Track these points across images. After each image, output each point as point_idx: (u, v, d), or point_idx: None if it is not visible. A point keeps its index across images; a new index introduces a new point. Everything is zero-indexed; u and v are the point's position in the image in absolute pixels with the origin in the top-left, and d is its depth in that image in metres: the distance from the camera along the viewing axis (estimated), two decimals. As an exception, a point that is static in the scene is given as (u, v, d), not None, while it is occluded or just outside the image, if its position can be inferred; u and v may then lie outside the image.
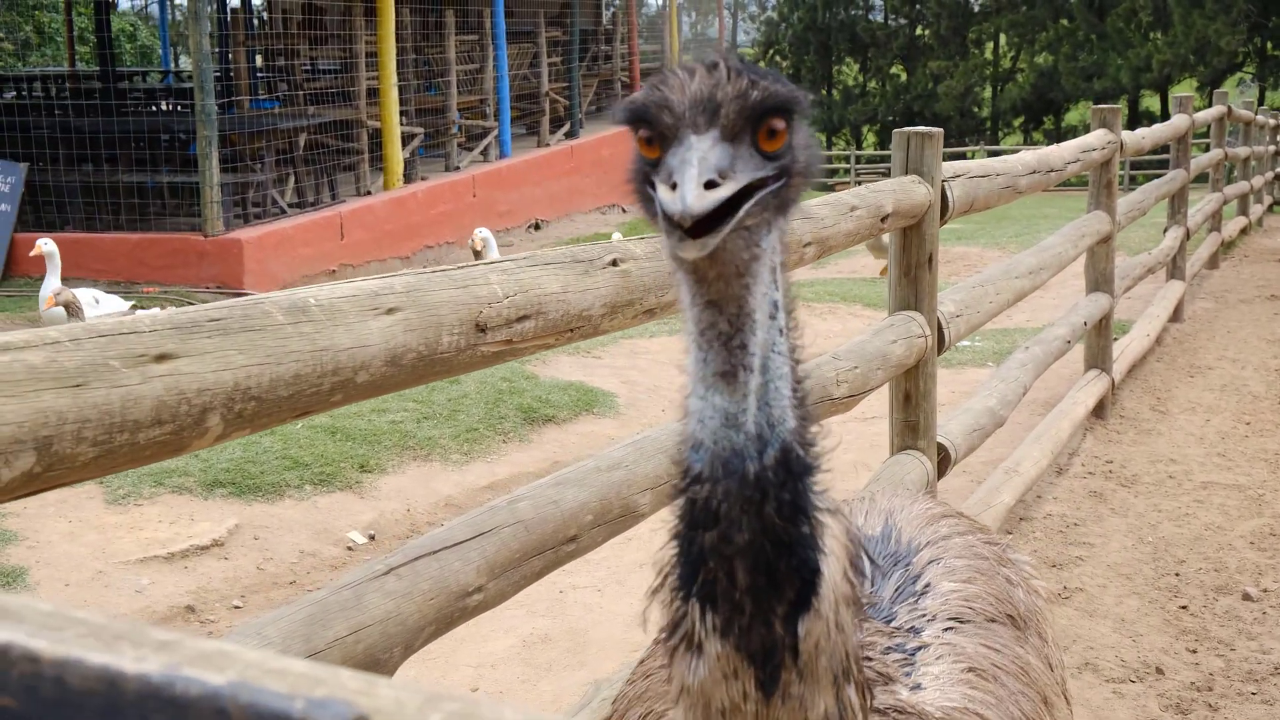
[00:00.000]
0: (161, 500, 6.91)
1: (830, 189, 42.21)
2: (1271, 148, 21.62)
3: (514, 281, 2.54)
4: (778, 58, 63.21)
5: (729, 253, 1.43)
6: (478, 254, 12.68)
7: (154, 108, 21.59)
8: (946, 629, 2.16)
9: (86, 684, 0.58)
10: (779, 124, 1.45)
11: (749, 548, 1.47)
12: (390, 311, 2.23)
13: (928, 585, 2.26)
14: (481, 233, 12.98)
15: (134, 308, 11.22)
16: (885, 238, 5.21)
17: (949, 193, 5.09)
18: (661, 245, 1.59)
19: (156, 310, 1.77)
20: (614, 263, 2.85)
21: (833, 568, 1.51)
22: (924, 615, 2.19)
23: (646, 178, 1.48)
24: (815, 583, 1.49)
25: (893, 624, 2.17)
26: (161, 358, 1.78)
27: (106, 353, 1.71)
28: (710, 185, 1.38)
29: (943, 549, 2.35)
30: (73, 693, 0.58)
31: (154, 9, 45.57)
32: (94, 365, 1.69)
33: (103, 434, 1.70)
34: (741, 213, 1.40)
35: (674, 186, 1.38)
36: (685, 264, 1.45)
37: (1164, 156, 12.92)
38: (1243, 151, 17.77)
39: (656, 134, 1.46)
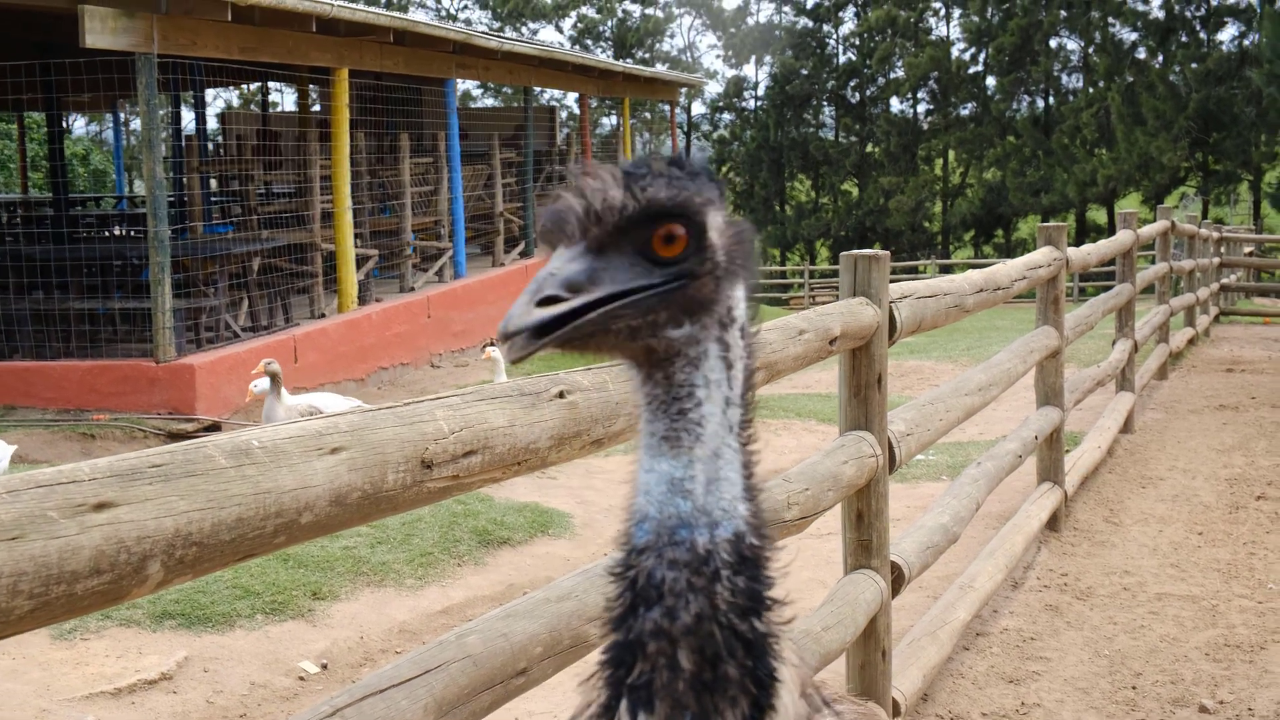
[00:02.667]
0: (108, 634, 6.81)
1: (785, 304, 42.59)
2: (1216, 260, 22.00)
3: (460, 417, 2.54)
4: (732, 175, 64.04)
5: (606, 345, 1.45)
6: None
7: (107, 233, 21.61)
8: None
9: None
10: (677, 230, 1.44)
11: (696, 629, 1.38)
12: (335, 451, 2.23)
13: None
14: (493, 351, 12.94)
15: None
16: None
17: (897, 314, 5.15)
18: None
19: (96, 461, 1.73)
20: (560, 394, 2.86)
21: (789, 682, 1.43)
22: None
23: None
24: (772, 694, 1.40)
25: None
26: (101, 506, 1.78)
27: (44, 503, 1.71)
28: (553, 300, 1.40)
29: None
30: None
31: (109, 134, 45.81)
32: (31, 516, 1.68)
33: (39, 586, 1.68)
34: (578, 323, 1.40)
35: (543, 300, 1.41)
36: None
37: (1111, 269, 13.10)
38: (1187, 264, 18.07)
39: (551, 248, 1.47)
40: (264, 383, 11.51)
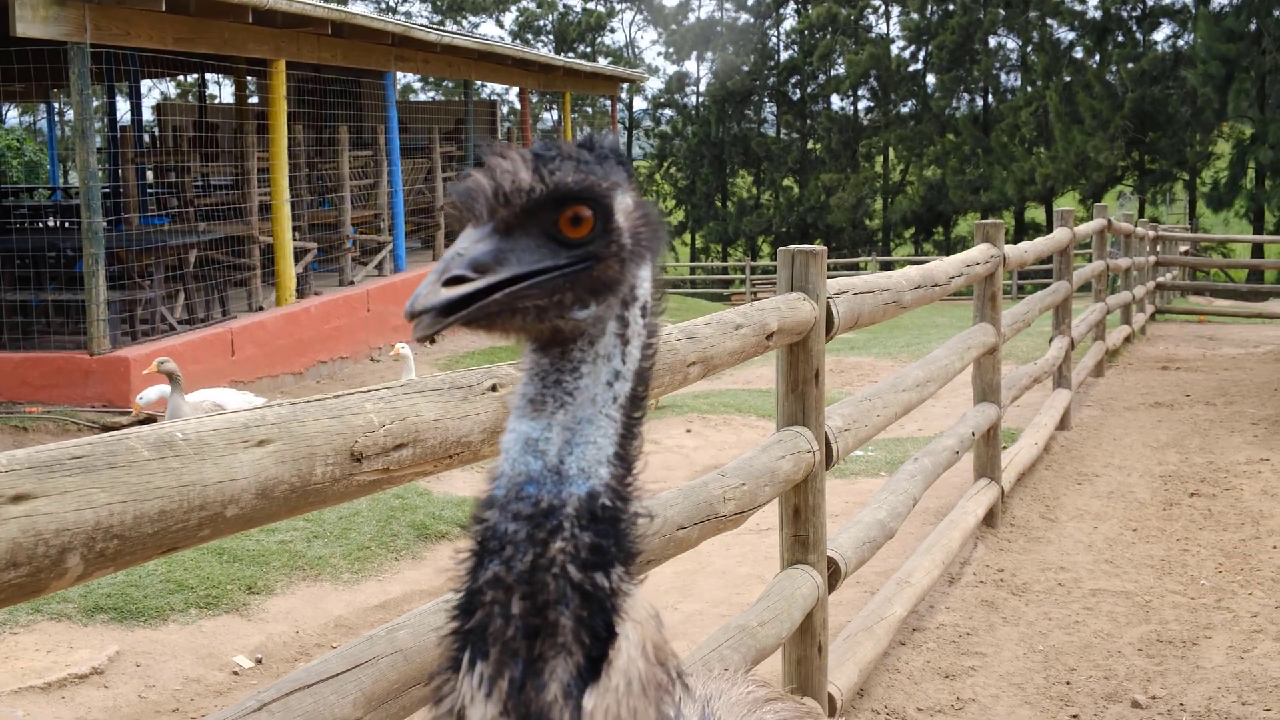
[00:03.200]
0: (39, 628, 6.71)
1: (727, 300, 42.68)
2: (1152, 258, 22.23)
3: (390, 409, 2.51)
4: (673, 170, 64.10)
5: (512, 326, 1.48)
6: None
7: (40, 224, 21.32)
8: None
9: None
10: (584, 212, 1.46)
11: (530, 577, 1.40)
12: (261, 444, 2.19)
13: None
14: (403, 349, 12.88)
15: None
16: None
17: (834, 309, 5.16)
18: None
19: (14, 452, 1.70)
20: (493, 388, 2.83)
21: (632, 639, 1.42)
22: None
23: None
24: (608, 649, 1.41)
25: None
26: (18, 498, 1.74)
27: (-42, 495, 1.67)
28: (459, 280, 1.42)
29: None
30: None
31: (43, 124, 45.24)
32: (-56, 508, 1.64)
33: (-47, 579, 1.64)
34: (484, 302, 1.43)
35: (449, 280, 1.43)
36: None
37: (1049, 267, 13.18)
38: (1124, 262, 18.24)
39: (459, 227, 1.49)
40: (152, 394, 11.41)
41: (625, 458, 1.52)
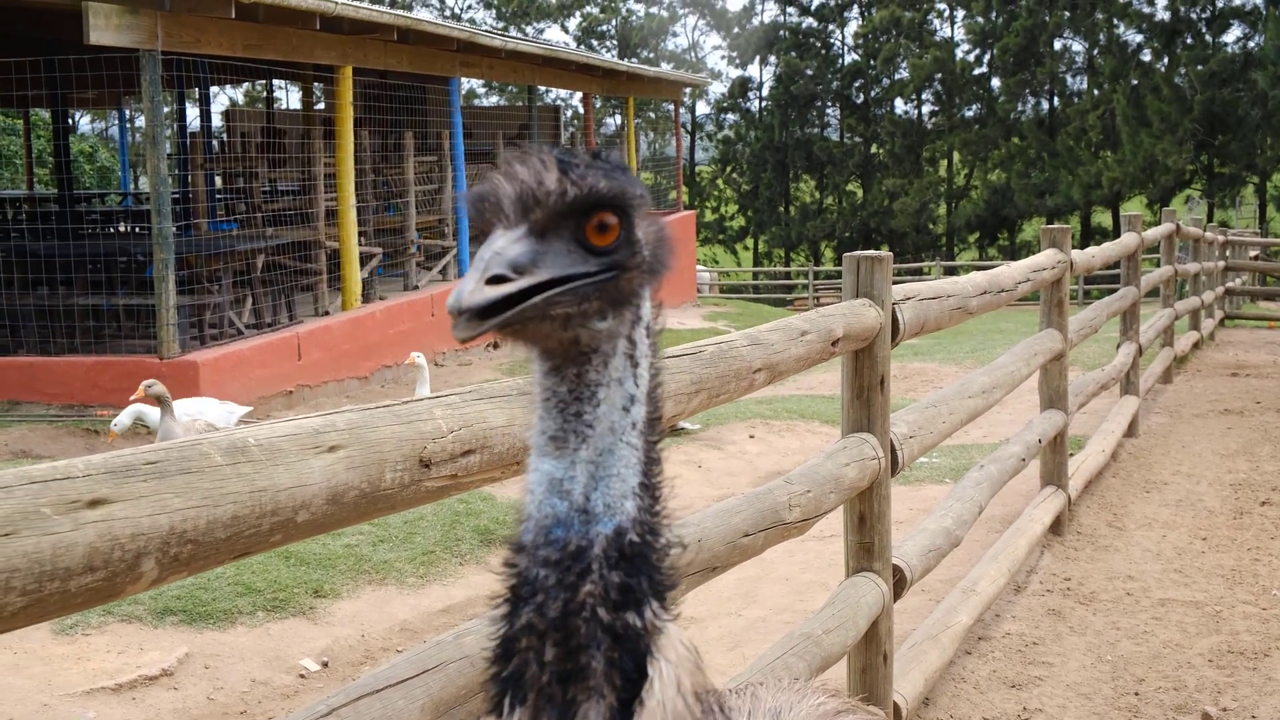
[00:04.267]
0: (110, 630, 6.80)
1: (789, 305, 42.56)
2: (1221, 263, 21.96)
3: (459, 416, 2.53)
4: (735, 175, 64.04)
5: (539, 334, 1.46)
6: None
7: (111, 230, 21.61)
8: None
9: None
10: (610, 219, 1.46)
11: (562, 623, 1.40)
12: (332, 449, 2.21)
13: None
14: (418, 358, 12.85)
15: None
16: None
17: (900, 315, 5.13)
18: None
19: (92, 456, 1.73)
20: (561, 394, 2.84)
21: (666, 679, 1.42)
22: None
23: None
24: (640, 688, 1.41)
25: None
26: (95, 503, 1.76)
27: (38, 500, 1.69)
28: (500, 280, 1.40)
29: None
30: None
31: (114, 131, 45.87)
32: (24, 513, 1.66)
33: (32, 583, 1.67)
34: (523, 306, 1.41)
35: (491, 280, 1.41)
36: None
37: (1116, 272, 13.06)
38: (1193, 267, 18.03)
39: (480, 229, 1.48)
40: (124, 421, 11.35)
41: (650, 486, 1.51)
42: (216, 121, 29.13)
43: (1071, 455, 9.23)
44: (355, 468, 2.24)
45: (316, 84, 24.33)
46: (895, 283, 5.22)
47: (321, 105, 25.63)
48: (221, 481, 1.97)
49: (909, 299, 5.32)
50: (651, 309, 1.56)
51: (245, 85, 50.36)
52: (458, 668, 2.62)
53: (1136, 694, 6.14)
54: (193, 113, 24.29)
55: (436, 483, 2.47)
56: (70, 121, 45.52)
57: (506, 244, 1.43)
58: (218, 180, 21.94)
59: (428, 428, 2.44)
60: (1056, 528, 8.63)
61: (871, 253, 5.04)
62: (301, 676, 6.70)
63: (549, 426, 1.49)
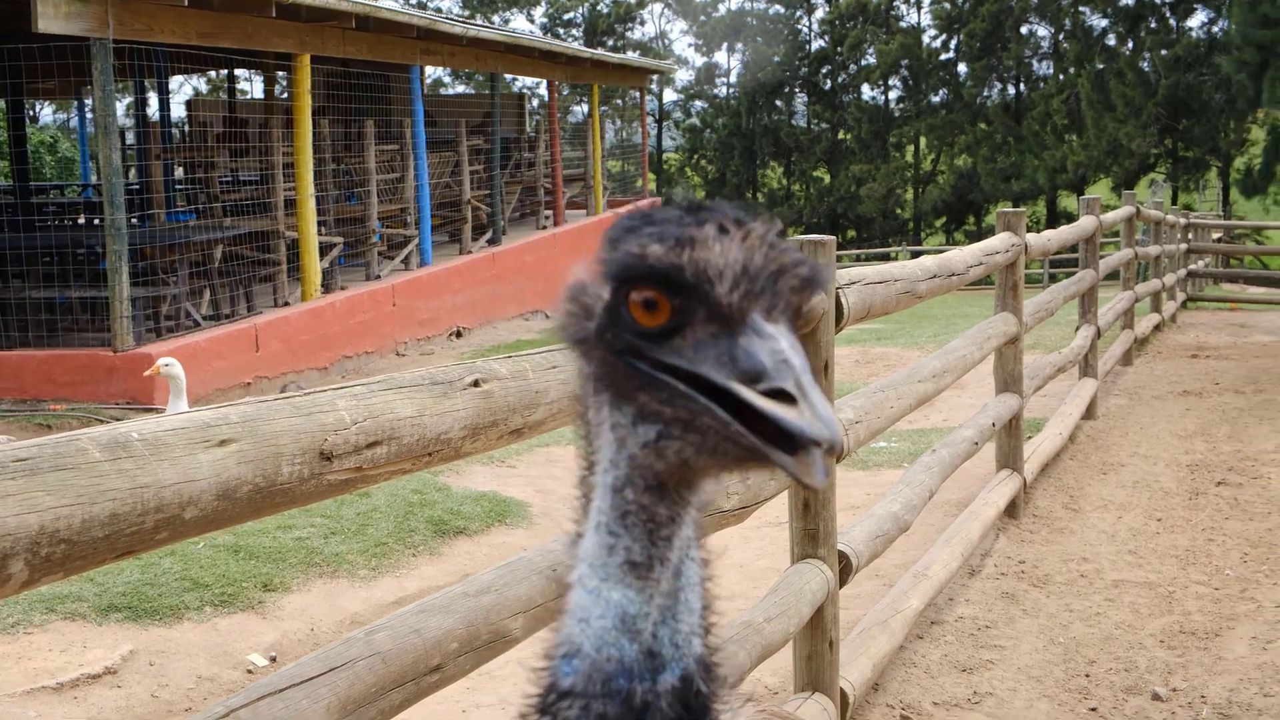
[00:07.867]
0: (53, 628, 6.71)
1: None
2: (1183, 246, 22.03)
3: (363, 407, 2.47)
4: (703, 162, 63.97)
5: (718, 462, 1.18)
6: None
7: (69, 221, 21.41)
8: None
9: None
10: (814, 309, 1.26)
11: None
12: (223, 443, 2.15)
13: None
14: (165, 367, 10.91)
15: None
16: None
17: (844, 299, 5.08)
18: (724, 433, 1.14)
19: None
20: (475, 383, 2.78)
21: None
22: None
23: (633, 348, 1.15)
24: None
25: None
26: (-45, 503, 1.70)
27: (-111, 500, 1.63)
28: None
29: None
30: None
31: (76, 121, 45.46)
32: (-127, 514, 1.60)
33: (-118, 587, 1.60)
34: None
35: (780, 395, 1.09)
36: (656, 450, 1.16)
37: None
38: (1154, 250, 18.07)
39: (678, 304, 1.13)
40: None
41: (709, 619, 1.24)
42: (180, 111, 28.94)
43: (1029, 438, 9.22)
44: (248, 462, 2.18)
45: (280, 73, 24.18)
46: (855, 266, 5.16)
47: (285, 95, 25.47)
48: (99, 478, 1.91)
49: (854, 283, 5.27)
50: None
51: (210, 75, 50.01)
52: (367, 665, 2.56)
53: (1087, 675, 6.13)
54: (154, 102, 24.09)
55: (340, 476, 2.41)
56: (31, 112, 45.15)
57: (788, 347, 1.12)
58: (179, 171, 21.77)
59: (329, 419, 2.38)
60: (1012, 511, 8.62)
61: (814, 236, 4.99)
62: (249, 672, 6.62)
63: (633, 550, 1.19)
